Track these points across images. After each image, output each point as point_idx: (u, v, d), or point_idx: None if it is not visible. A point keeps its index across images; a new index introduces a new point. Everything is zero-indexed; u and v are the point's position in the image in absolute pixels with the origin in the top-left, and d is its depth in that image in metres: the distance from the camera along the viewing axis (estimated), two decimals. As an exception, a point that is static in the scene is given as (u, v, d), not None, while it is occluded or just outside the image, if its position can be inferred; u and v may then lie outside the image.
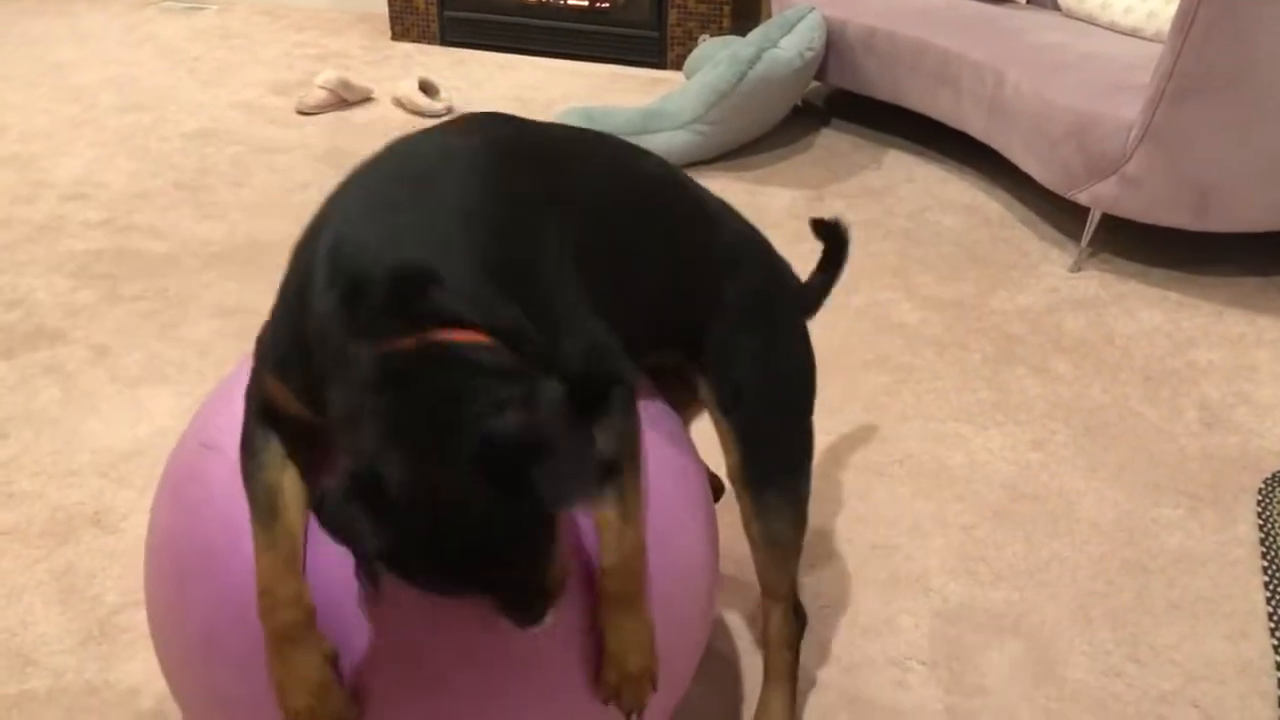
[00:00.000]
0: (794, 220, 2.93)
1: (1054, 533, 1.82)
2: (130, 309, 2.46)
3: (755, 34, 3.21)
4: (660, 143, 3.19)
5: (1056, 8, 3.29)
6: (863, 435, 2.08)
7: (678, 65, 4.11)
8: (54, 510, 1.84)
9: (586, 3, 4.26)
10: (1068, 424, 2.10)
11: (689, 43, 4.07)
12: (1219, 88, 2.32)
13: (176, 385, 2.19)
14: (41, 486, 1.90)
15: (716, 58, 3.25)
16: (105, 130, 3.48)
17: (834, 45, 3.34)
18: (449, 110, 3.64)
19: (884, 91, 3.29)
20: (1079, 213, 2.77)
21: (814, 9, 3.25)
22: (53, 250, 2.71)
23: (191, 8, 4.83)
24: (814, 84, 3.57)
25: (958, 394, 2.20)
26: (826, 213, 2.95)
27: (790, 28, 3.19)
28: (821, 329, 2.41)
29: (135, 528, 1.80)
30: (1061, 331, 2.41)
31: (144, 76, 3.96)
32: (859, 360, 2.32)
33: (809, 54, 3.19)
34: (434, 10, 4.34)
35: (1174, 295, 2.54)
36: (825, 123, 3.59)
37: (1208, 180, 2.42)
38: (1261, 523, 1.84)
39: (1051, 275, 2.65)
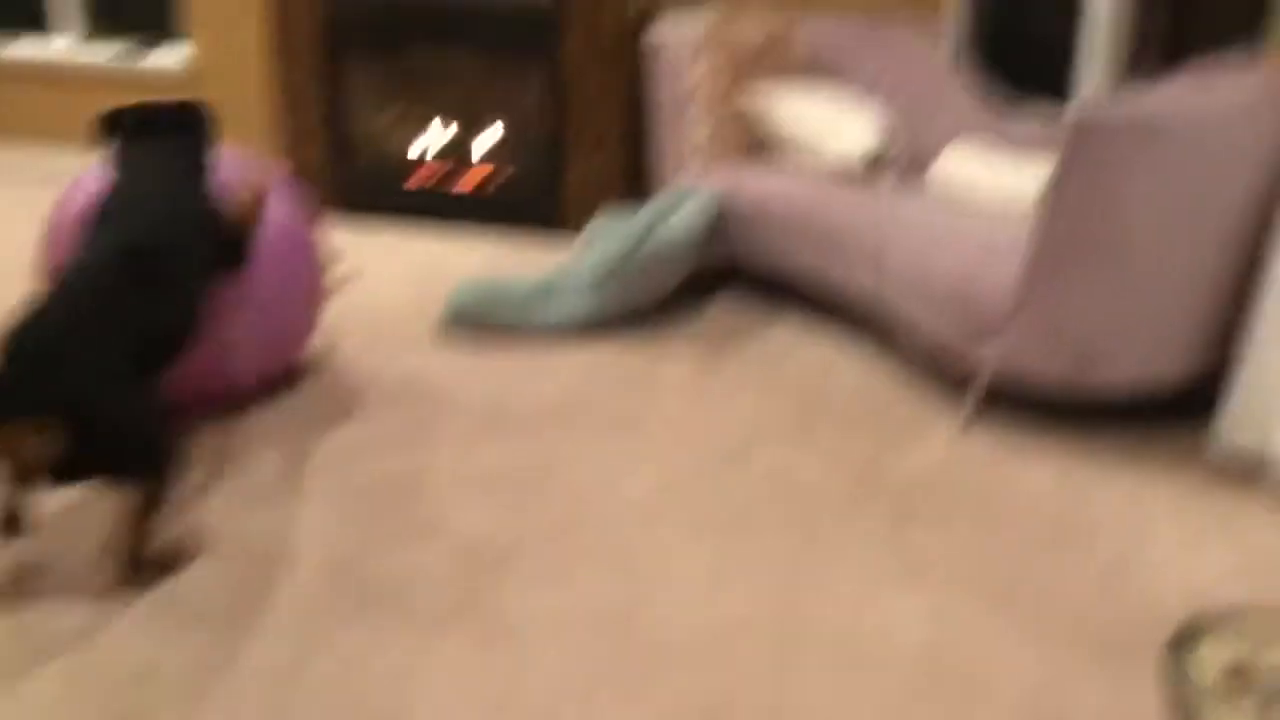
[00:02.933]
0: (691, 386, 2.97)
1: (969, 704, 1.82)
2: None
3: (647, 209, 3.32)
4: (558, 311, 3.25)
5: (930, 184, 3.50)
6: (770, 601, 2.07)
7: (570, 238, 4.20)
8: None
9: (482, 178, 4.36)
10: (971, 586, 2.13)
11: (581, 216, 4.18)
12: (1091, 252, 2.48)
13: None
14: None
15: (611, 231, 3.34)
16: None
17: (724, 217, 3.46)
18: (349, 279, 3.64)
19: (772, 262, 3.41)
20: (966, 377, 2.88)
21: (702, 188, 3.39)
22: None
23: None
24: (705, 252, 3.68)
25: (861, 556, 2.22)
26: (722, 379, 3.02)
27: (679, 205, 3.31)
28: (726, 490, 2.43)
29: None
30: (958, 491, 2.47)
31: None
32: (765, 523, 2.33)
33: (695, 229, 3.30)
34: (328, 183, 4.39)
35: (1064, 453, 2.64)
36: (718, 292, 3.69)
37: (1087, 340, 2.56)
38: (1166, 685, 1.87)
39: (943, 438, 2.73)
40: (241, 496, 2.37)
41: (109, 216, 2.28)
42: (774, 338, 3.32)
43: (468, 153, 4.48)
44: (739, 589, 2.10)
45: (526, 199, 4.27)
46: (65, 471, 1.94)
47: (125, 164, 2.42)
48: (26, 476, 1.94)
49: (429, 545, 2.21)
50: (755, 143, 3.69)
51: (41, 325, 2.00)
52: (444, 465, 2.52)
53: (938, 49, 3.79)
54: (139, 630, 1.93)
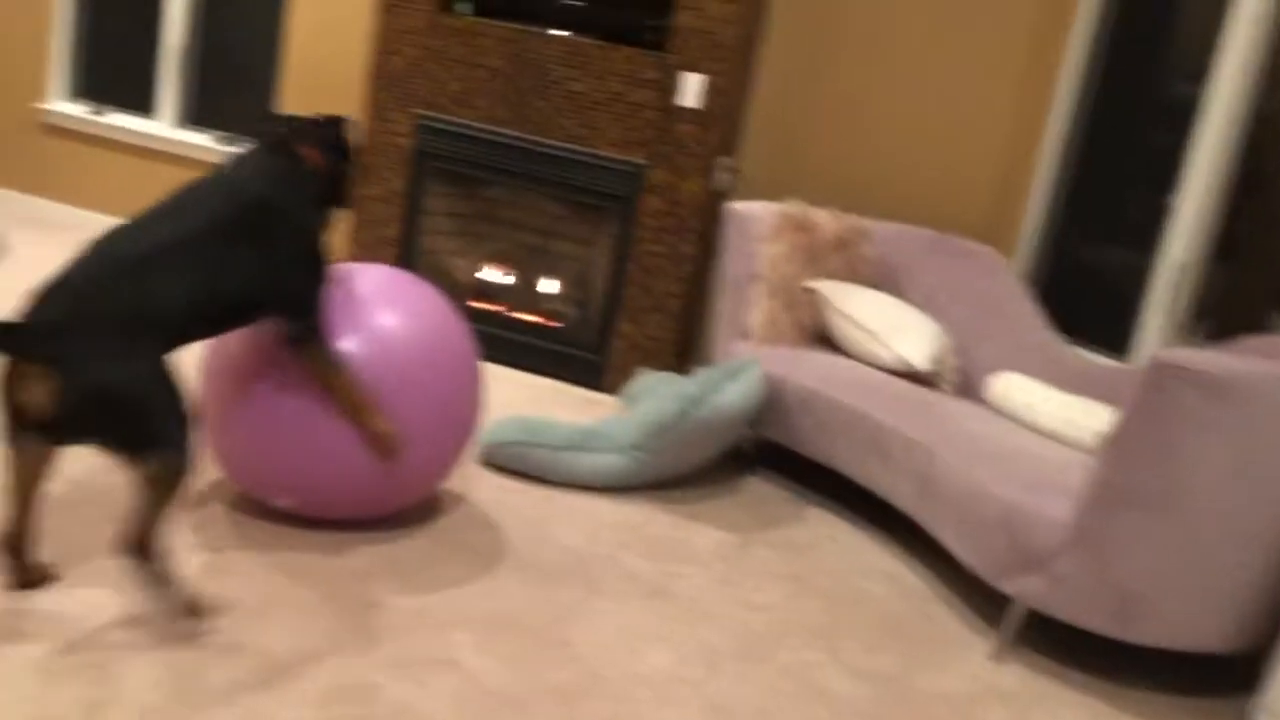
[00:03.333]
0: (720, 561, 2.91)
1: None
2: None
3: (702, 375, 3.32)
4: (594, 462, 3.20)
5: (983, 401, 3.50)
6: (787, 809, 1.96)
7: (613, 390, 4.21)
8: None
9: (538, 319, 4.40)
10: (995, 826, 2.01)
11: (627, 371, 4.20)
12: (1149, 503, 2.43)
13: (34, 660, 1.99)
14: (-128, 746, 1.66)
15: (661, 392, 3.33)
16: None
17: (771, 399, 3.46)
18: (386, 398, 3.63)
19: (815, 450, 3.38)
20: (1001, 600, 2.80)
21: (756, 363, 3.40)
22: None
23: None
24: (744, 431, 3.67)
25: (883, 776, 2.11)
26: (751, 560, 2.95)
27: (735, 375, 3.31)
28: (745, 683, 2.34)
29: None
30: (985, 722, 2.37)
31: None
32: (783, 723, 2.23)
33: (749, 404, 3.29)
34: (385, 300, 4.43)
35: (1094, 703, 2.54)
36: (752, 470, 3.66)
37: (1134, 590, 2.49)
38: None
39: (973, 661, 2.64)
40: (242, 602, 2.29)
41: (224, 172, 2.30)
42: (807, 526, 3.26)
43: (525, 294, 4.53)
44: (751, 789, 1.99)
45: (575, 347, 4.29)
46: (65, 429, 1.96)
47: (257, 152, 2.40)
48: (23, 424, 1.94)
49: (435, 680, 2.12)
50: (813, 331, 3.71)
51: (94, 268, 2.00)
52: (457, 602, 2.44)
53: (1002, 274, 3.85)
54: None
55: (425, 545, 2.67)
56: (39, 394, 1.90)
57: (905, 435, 3.07)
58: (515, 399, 3.93)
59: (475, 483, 3.12)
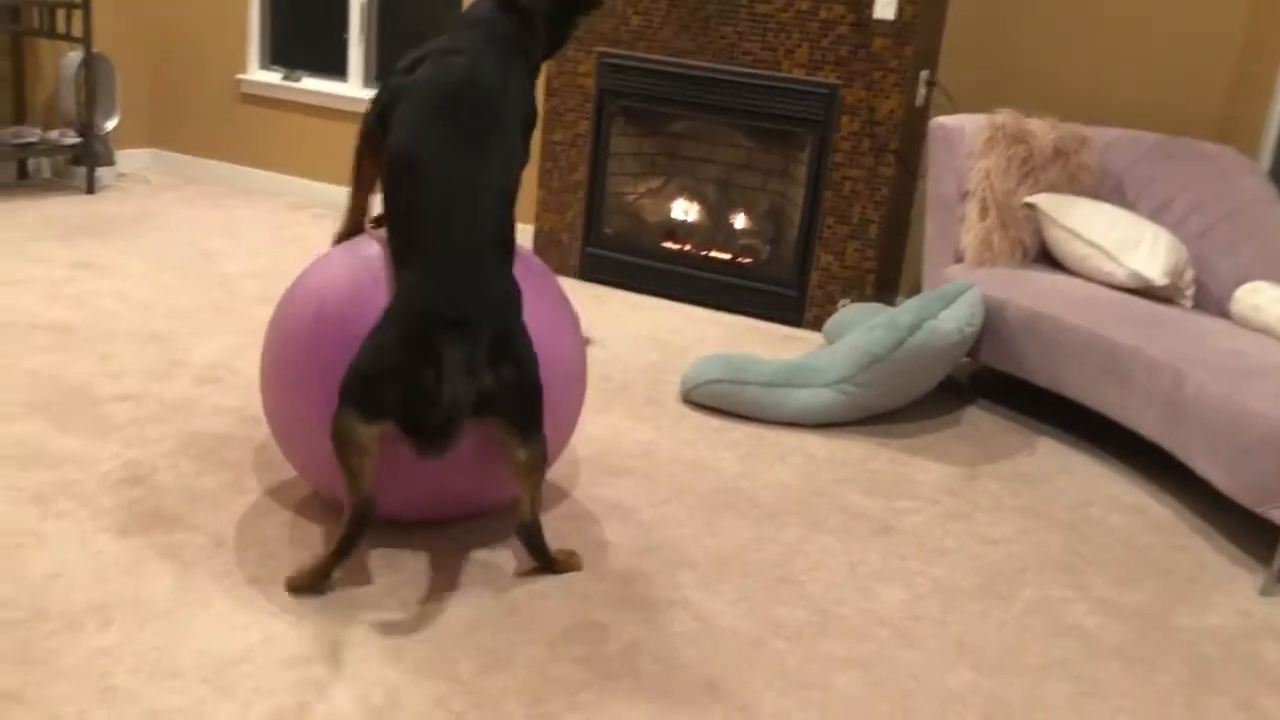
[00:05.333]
0: (948, 496, 2.74)
1: None
2: (252, 502, 2.33)
3: (914, 303, 3.13)
4: (802, 399, 3.07)
5: (1227, 316, 3.19)
6: (1052, 755, 1.81)
7: (813, 325, 4.06)
8: (149, 716, 1.65)
9: (729, 256, 4.28)
10: (1292, 776, 1.81)
11: (828, 305, 4.04)
12: None
13: (286, 594, 2.02)
14: (140, 685, 1.71)
15: (871, 322, 3.17)
16: (245, 319, 3.48)
17: (990, 324, 3.25)
18: (588, 341, 3.60)
19: (1041, 377, 3.16)
20: (1264, 528, 2.55)
21: (974, 286, 3.18)
22: (180, 431, 2.63)
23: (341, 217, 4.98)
24: (961, 360, 3.46)
25: (1153, 719, 1.94)
26: (981, 494, 2.78)
27: (950, 301, 3.11)
28: (989, 621, 2.20)
29: (235, 750, 1.60)
30: (1263, 663, 2.15)
31: (288, 273, 4.02)
32: (1036, 662, 2.07)
33: (968, 330, 3.10)
34: (576, 246, 4.40)
35: (1387, 637, 2.27)
36: (971, 401, 3.45)
37: None
38: None
39: (1238, 596, 2.40)
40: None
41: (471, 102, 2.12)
42: (1037, 457, 3.06)
43: (716, 231, 4.42)
44: (1010, 734, 1.86)
45: (770, 282, 4.16)
46: (485, 406, 1.96)
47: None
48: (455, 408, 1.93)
49: (664, 621, 2.06)
50: (1032, 250, 3.46)
51: (473, 236, 2.01)
52: (678, 541, 2.38)
53: (1247, 175, 3.48)
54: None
55: (642, 486, 2.62)
56: (471, 384, 1.93)
57: (1147, 355, 2.82)
58: (711, 338, 3.84)
59: (680, 422, 3.04)
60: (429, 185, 2.02)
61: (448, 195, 2.02)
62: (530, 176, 4.62)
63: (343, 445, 1.95)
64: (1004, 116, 3.48)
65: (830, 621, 2.13)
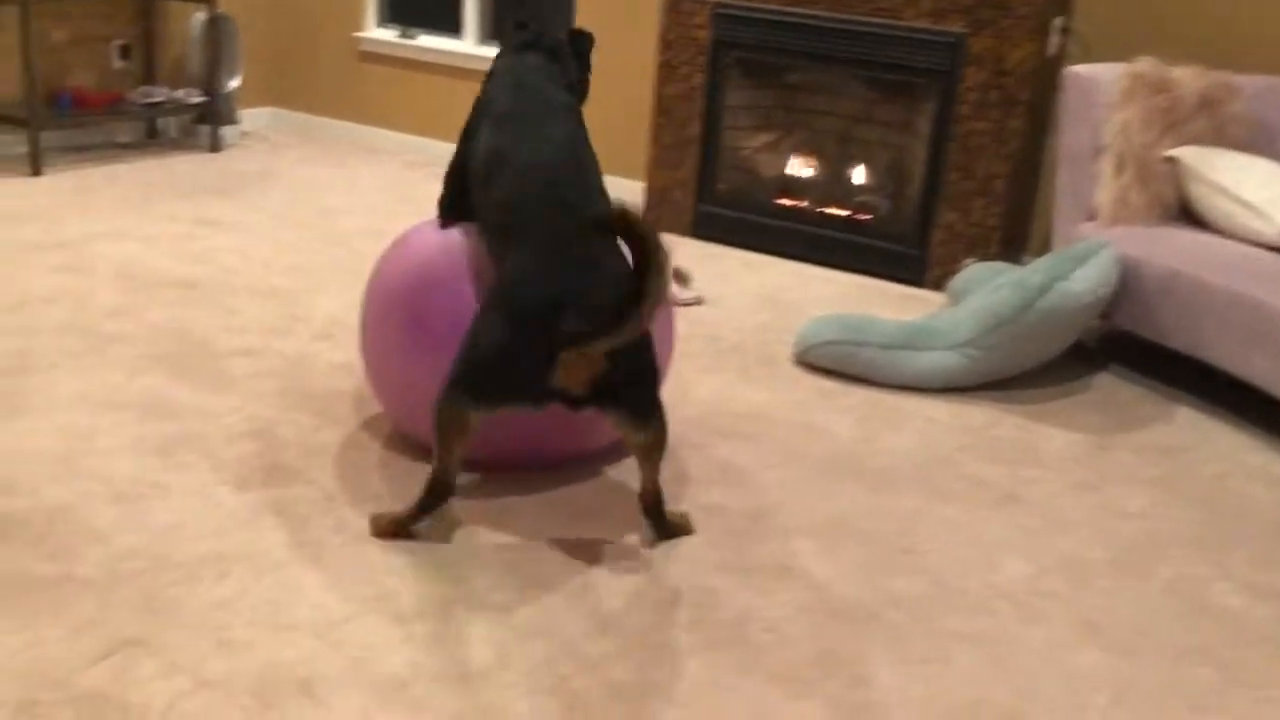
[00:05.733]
0: (1077, 466, 2.62)
1: None
2: (368, 457, 2.35)
3: (1043, 262, 2.98)
4: (924, 361, 2.96)
5: (1391, 276, 2.95)
6: (1190, 745, 1.71)
7: (936, 285, 3.92)
8: (264, 668, 1.67)
9: (846, 213, 4.15)
10: None
11: (950, 264, 3.89)
12: None
13: (407, 547, 2.02)
14: (255, 637, 1.74)
15: (996, 282, 3.03)
16: (363, 276, 3.51)
17: (1126, 285, 3.08)
18: (699, 300, 3.53)
19: (1180, 341, 2.98)
20: None
21: (1109, 244, 3.02)
22: (299, 387, 2.67)
23: (454, 173, 5.00)
24: (1092, 323, 3.30)
25: (1304, 711, 1.81)
26: (1113, 465, 2.65)
27: (1083, 261, 2.95)
28: (1121, 599, 2.08)
29: (344, 705, 1.60)
30: None
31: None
32: (1172, 645, 1.95)
33: (1102, 291, 2.94)
34: (689, 203, 4.32)
35: None
36: (1102, 366, 3.29)
37: None
38: None
39: (1400, 579, 2.23)
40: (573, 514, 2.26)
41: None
42: (1174, 426, 2.89)
43: (833, 187, 4.29)
44: (1153, 717, 1.75)
45: (890, 240, 4.02)
46: (596, 400, 1.94)
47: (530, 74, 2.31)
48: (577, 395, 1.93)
49: (779, 591, 2.00)
50: (1172, 207, 3.26)
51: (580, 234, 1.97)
52: (794, 508, 2.31)
53: None
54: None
55: (754, 449, 2.56)
56: (586, 371, 1.90)
57: (1300, 319, 2.63)
58: (827, 298, 3.74)
59: (793, 385, 2.96)
60: (523, 168, 2.05)
61: (548, 172, 2.04)
62: (642, 132, 4.55)
63: (446, 427, 1.95)
64: (1144, 65, 3.27)
65: (950, 594, 2.05)
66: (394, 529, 2.04)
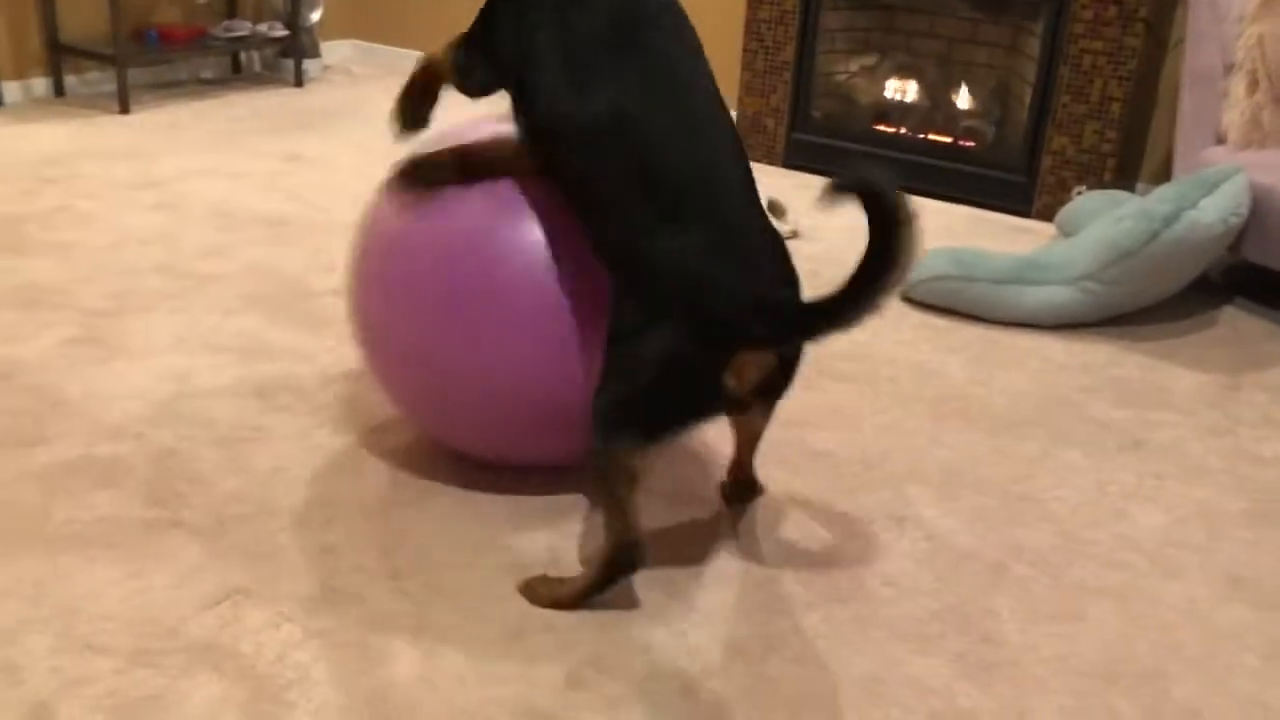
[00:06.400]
0: (1208, 408, 2.47)
1: None
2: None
3: (1168, 190, 2.80)
4: (1038, 297, 2.81)
5: None
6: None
7: (1044, 215, 3.74)
8: (374, 617, 1.63)
9: (949, 140, 3.97)
10: None
11: (1059, 193, 3.70)
12: None
13: (525, 507, 1.97)
14: (363, 586, 1.70)
15: (1118, 212, 2.86)
16: (451, 211, 3.45)
17: (1258, 215, 2.88)
18: (795, 234, 3.41)
19: (1318, 274, 2.79)
20: None
21: (1240, 170, 2.82)
22: (393, 325, 2.62)
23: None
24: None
25: None
26: (1246, 406, 2.49)
27: (1212, 189, 2.76)
28: (1263, 551, 1.95)
29: (453, 656, 1.56)
30: None
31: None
32: (1324, 604, 1.83)
33: (1233, 220, 2.75)
34: (781, 131, 4.17)
35: None
36: (1228, 300, 3.11)
37: None
38: None
39: None
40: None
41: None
42: (1310, 367, 2.72)
43: (935, 112, 4.10)
44: (1297, 684, 1.64)
45: (996, 168, 3.84)
46: (757, 394, 1.62)
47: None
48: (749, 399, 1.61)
49: (899, 542, 1.91)
50: (1310, 128, 3.04)
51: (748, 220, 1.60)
52: (906, 452, 2.21)
53: None
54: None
55: (861, 391, 2.46)
56: (757, 372, 1.58)
57: None
58: (931, 230, 3.58)
59: (899, 323, 2.84)
60: (662, 152, 1.57)
61: (693, 158, 1.58)
62: (734, 58, 4.39)
63: (614, 480, 1.60)
64: (1284, -26, 3.03)
65: (1078, 546, 1.94)
66: (546, 603, 1.68)
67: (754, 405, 1.67)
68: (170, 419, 2.14)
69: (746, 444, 1.92)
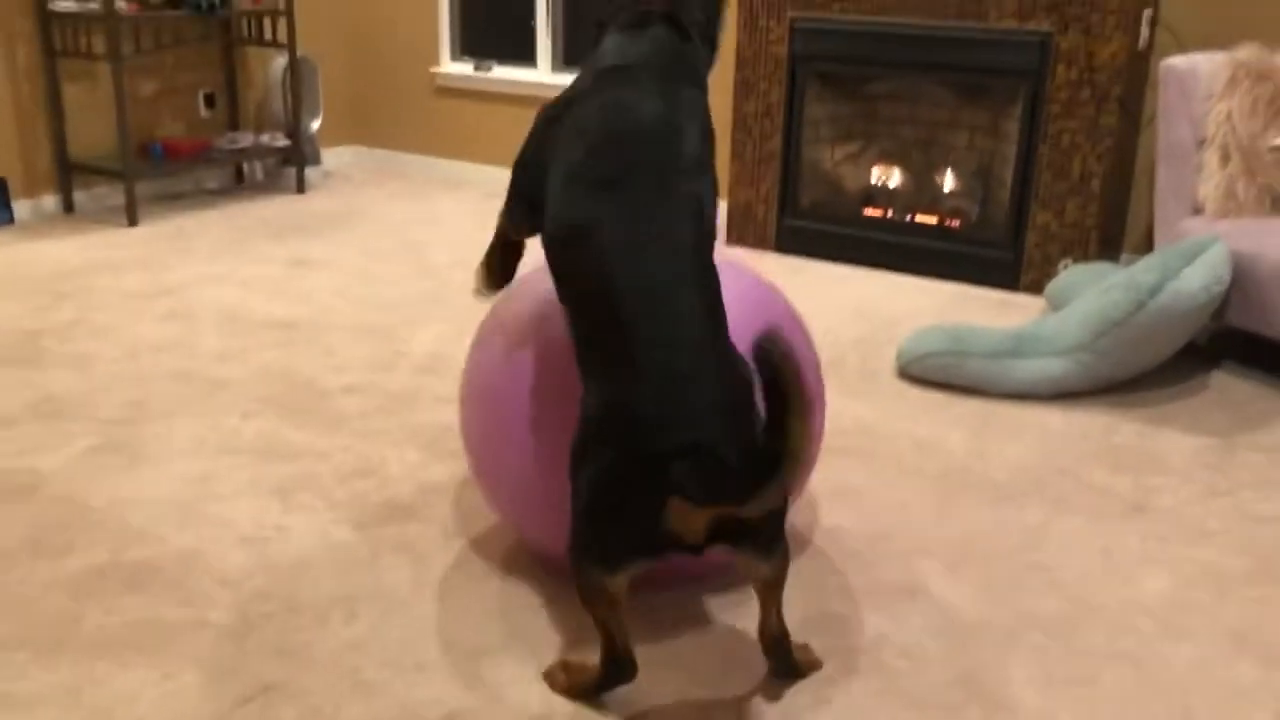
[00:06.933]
0: (1205, 470, 2.52)
1: None
2: (480, 493, 2.35)
3: (1152, 260, 2.90)
4: (1033, 369, 2.89)
5: None
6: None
7: (1031, 289, 3.84)
8: (401, 708, 1.67)
9: (935, 220, 4.09)
10: None
11: (1045, 267, 3.81)
12: None
13: (538, 580, 2.02)
14: (390, 679, 1.74)
15: (1105, 284, 2.95)
16: (457, 308, 3.54)
17: (1239, 282, 2.97)
18: (793, 316, 3.49)
19: (1302, 336, 2.87)
20: None
21: (1218, 240, 2.92)
22: (406, 422, 2.68)
23: (534, 201, 5.03)
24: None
25: None
26: (1242, 468, 2.55)
27: (1193, 258, 2.86)
28: (1269, 609, 1.99)
29: (487, 746, 1.60)
30: None
31: (491, 261, 4.07)
32: (1331, 659, 1.87)
33: (1215, 288, 2.84)
34: (772, 218, 4.29)
35: None
36: (1216, 365, 3.18)
37: None
38: None
39: None
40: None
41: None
42: (1302, 427, 2.79)
43: (920, 194, 4.23)
44: (1310, 738, 1.67)
45: (981, 245, 3.95)
46: (727, 533, 1.54)
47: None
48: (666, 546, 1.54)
49: (909, 614, 1.95)
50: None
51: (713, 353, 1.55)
52: (911, 526, 2.26)
53: None
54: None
55: (866, 466, 2.51)
56: (703, 518, 1.51)
57: None
58: (922, 308, 3.67)
59: (898, 399, 2.91)
60: (613, 268, 1.57)
61: (642, 281, 1.56)
62: (723, 150, 4.54)
63: (587, 599, 1.61)
64: (1247, 52, 3.17)
65: (1087, 612, 1.98)
66: (574, 695, 1.71)
67: (737, 553, 1.59)
68: (193, 521, 2.19)
69: (759, 594, 1.71)
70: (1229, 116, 3.11)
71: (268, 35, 4.95)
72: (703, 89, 1.79)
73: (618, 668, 1.66)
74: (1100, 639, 1.90)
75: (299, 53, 5.04)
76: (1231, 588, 2.07)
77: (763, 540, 1.59)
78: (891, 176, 4.28)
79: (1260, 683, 1.80)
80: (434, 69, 5.37)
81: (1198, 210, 3.22)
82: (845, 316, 3.55)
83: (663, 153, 1.65)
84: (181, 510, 2.23)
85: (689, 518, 1.50)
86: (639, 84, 1.70)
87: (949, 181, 4.19)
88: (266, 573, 2.02)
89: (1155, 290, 2.79)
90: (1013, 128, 3.86)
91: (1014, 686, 1.77)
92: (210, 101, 5.07)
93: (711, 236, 1.68)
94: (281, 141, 5.04)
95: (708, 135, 1.75)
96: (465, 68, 5.33)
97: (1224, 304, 3.03)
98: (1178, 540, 2.23)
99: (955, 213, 4.12)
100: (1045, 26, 3.63)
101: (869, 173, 4.31)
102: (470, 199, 5.07)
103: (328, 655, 1.79)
